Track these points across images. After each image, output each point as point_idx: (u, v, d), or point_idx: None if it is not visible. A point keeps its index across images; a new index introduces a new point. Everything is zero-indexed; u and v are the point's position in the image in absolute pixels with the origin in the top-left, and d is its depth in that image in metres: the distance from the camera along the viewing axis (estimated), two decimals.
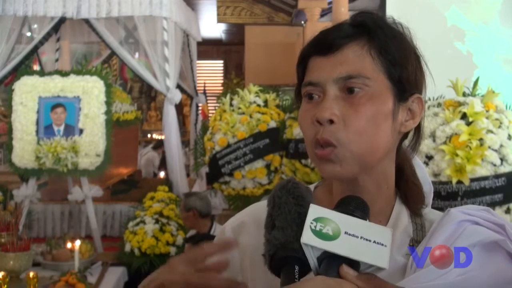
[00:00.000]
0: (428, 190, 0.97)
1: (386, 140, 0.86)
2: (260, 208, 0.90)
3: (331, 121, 0.82)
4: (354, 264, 0.69)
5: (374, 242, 0.70)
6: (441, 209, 0.89)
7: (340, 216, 0.72)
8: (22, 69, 5.39)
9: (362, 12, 0.89)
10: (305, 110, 0.87)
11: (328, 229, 0.70)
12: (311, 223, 0.71)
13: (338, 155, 0.83)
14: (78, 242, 3.94)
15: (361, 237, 0.70)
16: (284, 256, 0.72)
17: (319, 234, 0.70)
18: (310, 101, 0.86)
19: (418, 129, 0.92)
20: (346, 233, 0.70)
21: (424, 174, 0.97)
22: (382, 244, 0.70)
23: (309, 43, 0.89)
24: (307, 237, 0.70)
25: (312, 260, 0.71)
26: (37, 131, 5.04)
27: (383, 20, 0.88)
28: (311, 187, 0.96)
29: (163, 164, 8.38)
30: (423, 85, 0.90)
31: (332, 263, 0.69)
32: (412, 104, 0.88)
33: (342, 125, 0.82)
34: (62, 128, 5.05)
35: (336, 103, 0.83)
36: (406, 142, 0.94)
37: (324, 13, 7.64)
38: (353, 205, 0.75)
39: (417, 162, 0.98)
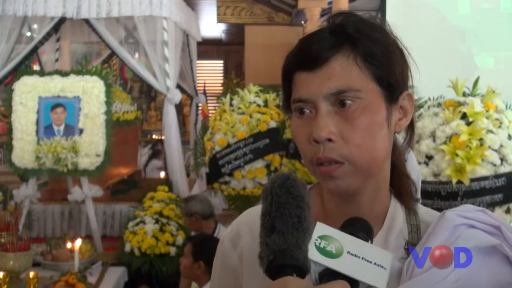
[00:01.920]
0: (417, 178, 0.96)
1: (384, 147, 0.86)
2: (253, 215, 0.89)
3: (330, 140, 0.81)
4: (353, 283, 0.71)
5: (375, 264, 0.73)
6: (440, 209, 0.88)
7: (344, 236, 0.74)
8: (22, 69, 5.39)
9: (338, 15, 0.87)
10: (299, 126, 0.85)
11: (332, 247, 0.72)
12: (316, 240, 0.73)
13: (343, 171, 0.82)
14: (78, 242, 3.94)
15: (362, 258, 0.72)
16: (284, 264, 0.72)
17: (322, 251, 0.72)
18: (301, 116, 0.85)
19: (411, 124, 0.91)
20: (348, 252, 0.72)
21: (412, 162, 0.96)
22: (382, 267, 0.73)
23: (292, 57, 0.87)
24: (311, 253, 0.72)
25: (314, 275, 0.73)
26: (37, 131, 5.04)
27: (363, 21, 0.86)
28: None
29: (152, 160, 8.41)
30: (409, 79, 0.89)
31: (332, 280, 0.71)
32: (403, 101, 0.87)
33: (342, 141, 0.82)
34: (62, 128, 5.05)
35: (330, 119, 0.82)
36: (400, 137, 0.93)
37: (324, 13, 7.61)
38: (357, 226, 0.77)
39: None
